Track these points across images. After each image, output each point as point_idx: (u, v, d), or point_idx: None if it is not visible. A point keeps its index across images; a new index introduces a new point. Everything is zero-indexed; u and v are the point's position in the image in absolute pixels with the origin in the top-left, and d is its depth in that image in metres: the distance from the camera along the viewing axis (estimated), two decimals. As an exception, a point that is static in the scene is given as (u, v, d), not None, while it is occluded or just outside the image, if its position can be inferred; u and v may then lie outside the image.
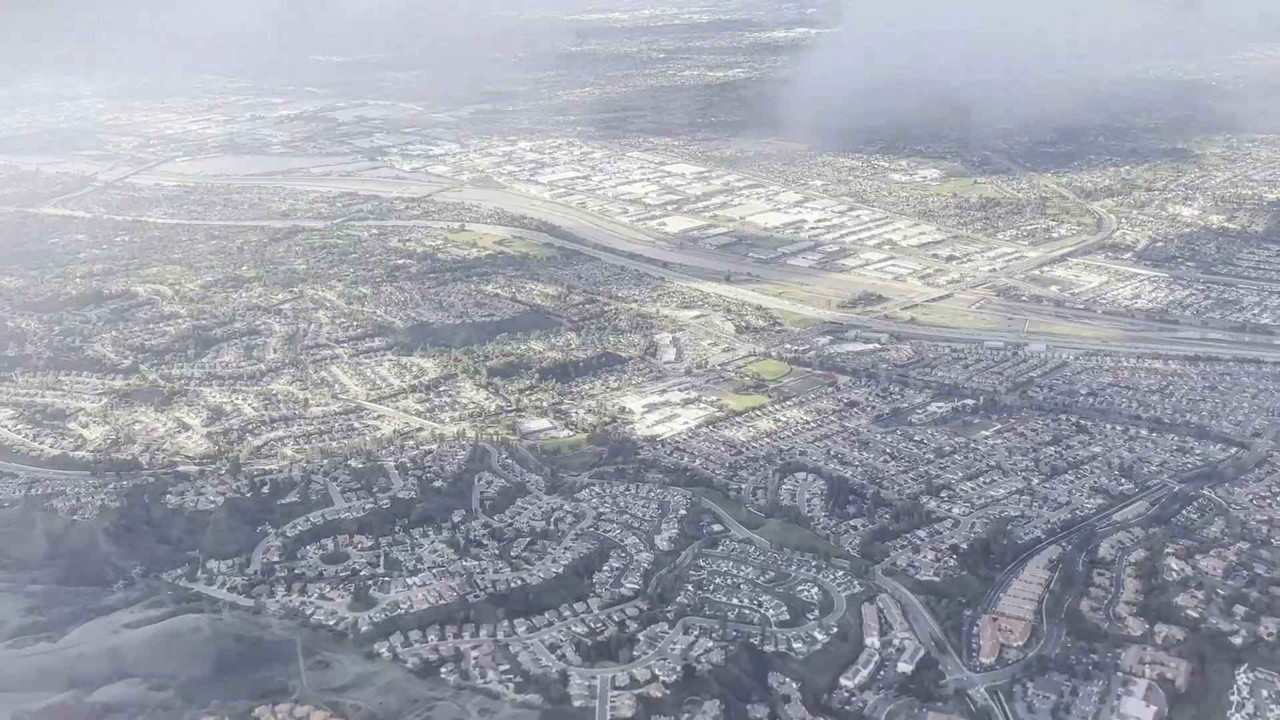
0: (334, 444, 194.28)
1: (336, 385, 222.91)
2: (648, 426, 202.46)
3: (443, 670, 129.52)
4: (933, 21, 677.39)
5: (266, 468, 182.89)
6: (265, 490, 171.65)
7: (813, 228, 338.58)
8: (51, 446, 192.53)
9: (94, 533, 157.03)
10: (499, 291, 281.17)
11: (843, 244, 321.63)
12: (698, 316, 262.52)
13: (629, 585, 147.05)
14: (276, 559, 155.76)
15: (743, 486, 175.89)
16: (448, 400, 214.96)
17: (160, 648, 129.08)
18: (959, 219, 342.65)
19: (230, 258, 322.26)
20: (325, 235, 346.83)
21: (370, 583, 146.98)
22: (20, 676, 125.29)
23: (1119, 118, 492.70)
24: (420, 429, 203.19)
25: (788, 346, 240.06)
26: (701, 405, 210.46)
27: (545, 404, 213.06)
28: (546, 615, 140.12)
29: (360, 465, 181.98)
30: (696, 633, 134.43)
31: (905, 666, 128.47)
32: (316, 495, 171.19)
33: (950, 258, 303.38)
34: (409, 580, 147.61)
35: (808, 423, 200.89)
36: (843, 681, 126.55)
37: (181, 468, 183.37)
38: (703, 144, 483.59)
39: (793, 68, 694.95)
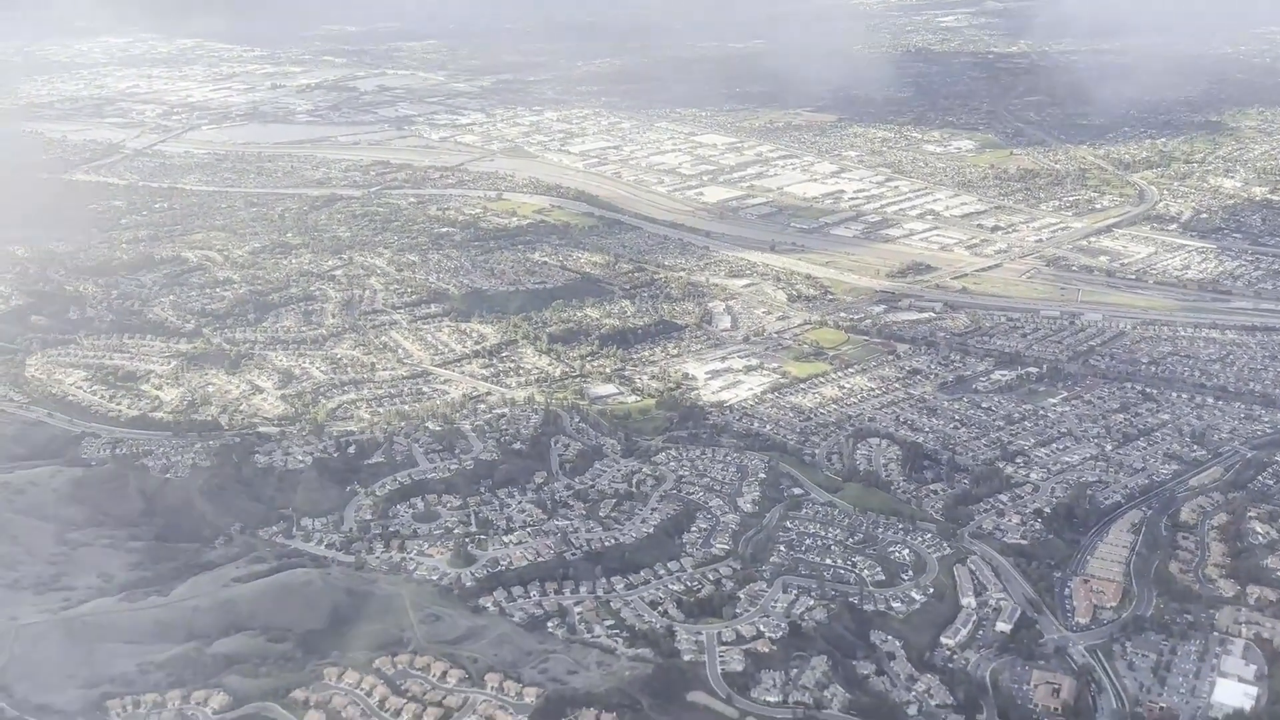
0: (406, 407, 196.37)
1: (399, 350, 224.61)
2: (713, 392, 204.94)
3: (549, 625, 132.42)
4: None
5: (348, 429, 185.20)
6: (351, 451, 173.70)
7: (852, 198, 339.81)
8: (129, 407, 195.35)
9: (188, 491, 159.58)
10: (546, 260, 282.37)
11: (885, 214, 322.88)
12: (748, 285, 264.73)
13: (719, 546, 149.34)
14: (369, 517, 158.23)
15: (815, 452, 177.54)
16: (511, 365, 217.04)
17: (273, 601, 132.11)
18: (999, 190, 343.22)
19: (273, 224, 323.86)
20: (364, 203, 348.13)
21: (468, 540, 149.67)
22: (138, 629, 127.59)
23: (1149, 90, 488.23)
24: (488, 393, 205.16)
25: (842, 315, 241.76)
26: (764, 372, 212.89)
27: (608, 370, 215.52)
28: (642, 574, 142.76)
29: (438, 428, 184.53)
30: (796, 591, 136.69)
31: (1004, 626, 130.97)
32: (401, 456, 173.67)
33: (995, 228, 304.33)
34: (504, 539, 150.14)
35: (872, 390, 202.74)
36: (943, 640, 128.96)
37: (262, 429, 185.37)
38: (730, 115, 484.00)
39: (812, 37, 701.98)
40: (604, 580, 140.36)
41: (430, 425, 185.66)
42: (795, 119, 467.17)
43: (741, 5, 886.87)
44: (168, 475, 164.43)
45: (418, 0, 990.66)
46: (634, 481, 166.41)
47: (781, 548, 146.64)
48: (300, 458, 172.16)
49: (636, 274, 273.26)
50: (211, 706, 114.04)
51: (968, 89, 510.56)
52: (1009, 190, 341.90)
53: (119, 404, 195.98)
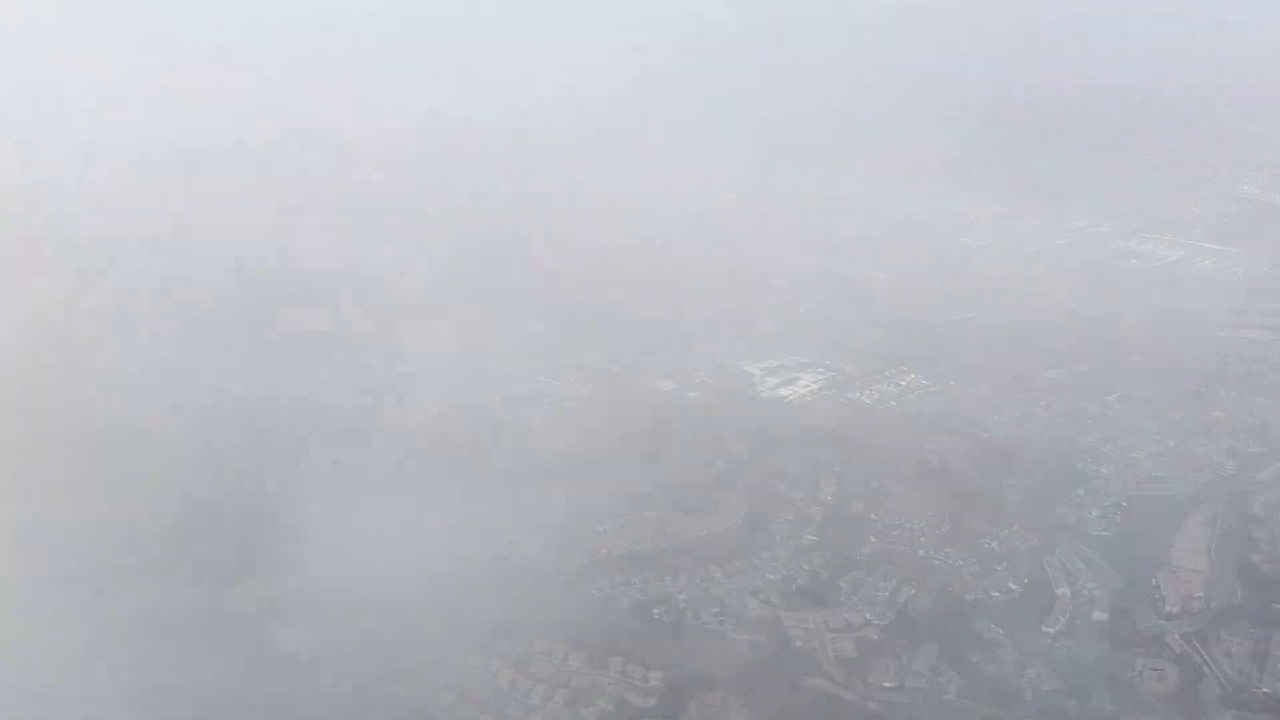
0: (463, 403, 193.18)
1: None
2: (770, 388, 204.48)
3: (655, 611, 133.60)
4: None
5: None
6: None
7: (875, 199, 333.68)
8: None
9: None
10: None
11: (908, 215, 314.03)
12: (786, 282, 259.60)
13: (808, 537, 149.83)
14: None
15: (885, 446, 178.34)
16: (570, 361, 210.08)
17: None
18: (1032, 193, 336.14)
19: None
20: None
21: (567, 529, 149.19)
22: None
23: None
24: (546, 385, 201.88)
25: (881, 313, 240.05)
26: (821, 369, 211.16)
27: (662, 365, 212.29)
28: (737, 563, 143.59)
29: (519, 424, 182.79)
30: (896, 580, 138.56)
31: (1100, 615, 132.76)
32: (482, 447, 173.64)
33: (1025, 229, 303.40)
34: (598, 528, 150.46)
35: (929, 387, 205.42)
36: (1044, 628, 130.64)
37: None
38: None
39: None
40: (701, 569, 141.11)
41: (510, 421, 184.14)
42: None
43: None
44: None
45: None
46: (709, 472, 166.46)
47: (872, 539, 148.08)
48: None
49: (677, 272, 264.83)
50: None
51: (1009, 99, 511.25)
52: (1038, 194, 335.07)
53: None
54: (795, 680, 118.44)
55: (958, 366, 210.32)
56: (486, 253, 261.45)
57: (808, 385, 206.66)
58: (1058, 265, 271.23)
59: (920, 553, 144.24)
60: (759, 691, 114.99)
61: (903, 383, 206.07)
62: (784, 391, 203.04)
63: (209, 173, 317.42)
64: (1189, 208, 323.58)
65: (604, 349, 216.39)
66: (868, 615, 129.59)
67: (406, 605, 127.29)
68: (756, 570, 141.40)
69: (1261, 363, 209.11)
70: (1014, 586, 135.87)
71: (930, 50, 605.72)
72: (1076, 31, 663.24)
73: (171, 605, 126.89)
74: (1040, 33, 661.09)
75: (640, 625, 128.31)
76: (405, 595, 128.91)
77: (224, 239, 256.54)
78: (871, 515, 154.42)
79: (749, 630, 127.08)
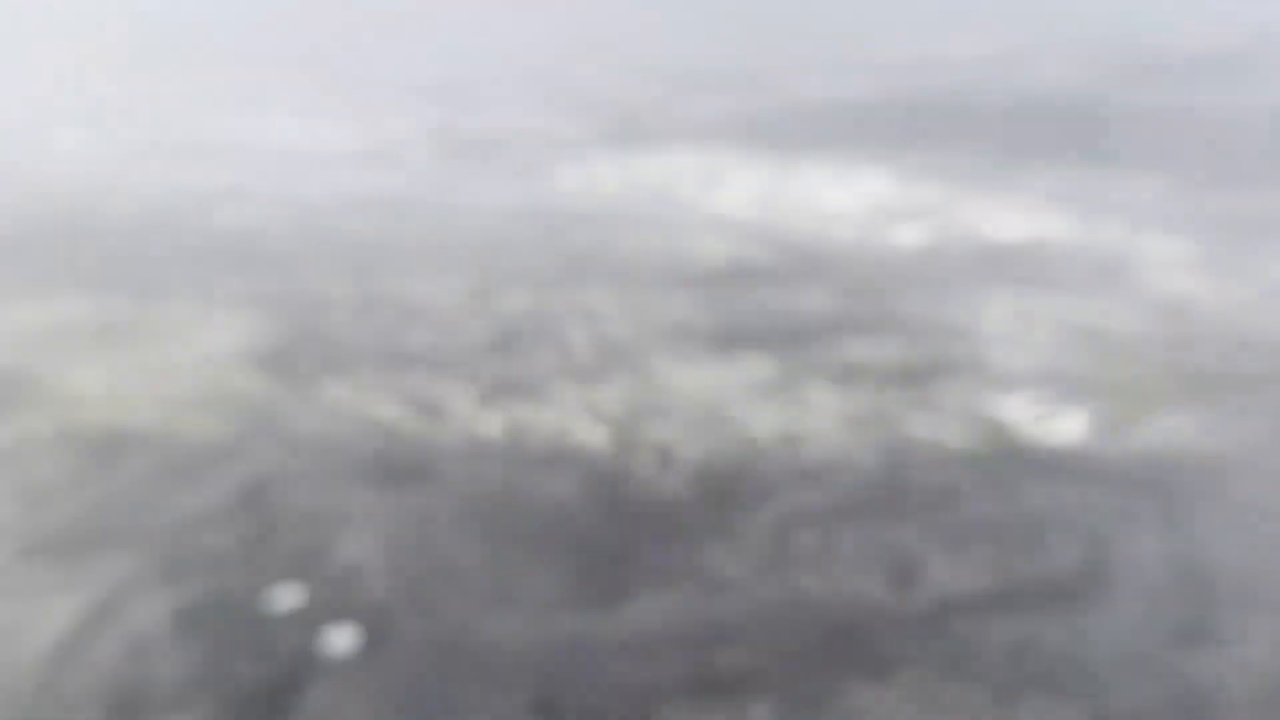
0: (722, 439, 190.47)
1: (673, 387, 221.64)
2: (1031, 429, 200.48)
3: (1028, 650, 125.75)
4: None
5: (704, 458, 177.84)
6: (720, 479, 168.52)
7: (1059, 238, 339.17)
8: (457, 436, 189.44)
9: (585, 516, 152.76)
10: (771, 297, 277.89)
11: (1103, 254, 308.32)
12: (1000, 324, 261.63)
13: (1148, 579, 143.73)
14: (764, 544, 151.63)
15: (1181, 488, 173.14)
16: (802, 401, 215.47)
17: (751, 618, 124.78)
18: (1213, 233, 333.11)
19: (465, 263, 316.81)
20: (543, 243, 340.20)
21: (907, 567, 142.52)
22: (634, 640, 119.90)
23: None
24: (792, 426, 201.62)
25: (1119, 354, 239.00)
26: (1077, 409, 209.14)
27: (905, 406, 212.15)
28: (1085, 603, 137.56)
29: (783, 459, 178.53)
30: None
31: None
32: (769, 485, 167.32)
33: (1232, 271, 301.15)
34: (934, 565, 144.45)
35: (1198, 429, 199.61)
36: None
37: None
38: (874, 156, 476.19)
39: (930, 80, 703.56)
40: (1052, 607, 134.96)
41: (775, 457, 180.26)
42: (949, 159, 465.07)
43: (828, 50, 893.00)
44: (556, 500, 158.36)
45: (482, 44, 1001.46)
46: (1012, 515, 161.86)
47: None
48: (670, 486, 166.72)
49: (874, 312, 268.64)
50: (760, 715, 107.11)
51: (1123, 135, 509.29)
52: (1223, 234, 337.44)
53: (445, 433, 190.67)
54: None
55: (1222, 409, 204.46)
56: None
57: (1072, 426, 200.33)
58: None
59: None
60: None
61: (1171, 423, 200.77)
62: (1049, 431, 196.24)
63: None
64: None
65: (837, 389, 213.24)
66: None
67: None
68: (1112, 610, 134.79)
69: None
70: None
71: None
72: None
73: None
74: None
75: (1021, 663, 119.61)
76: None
77: None
78: (1206, 559, 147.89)
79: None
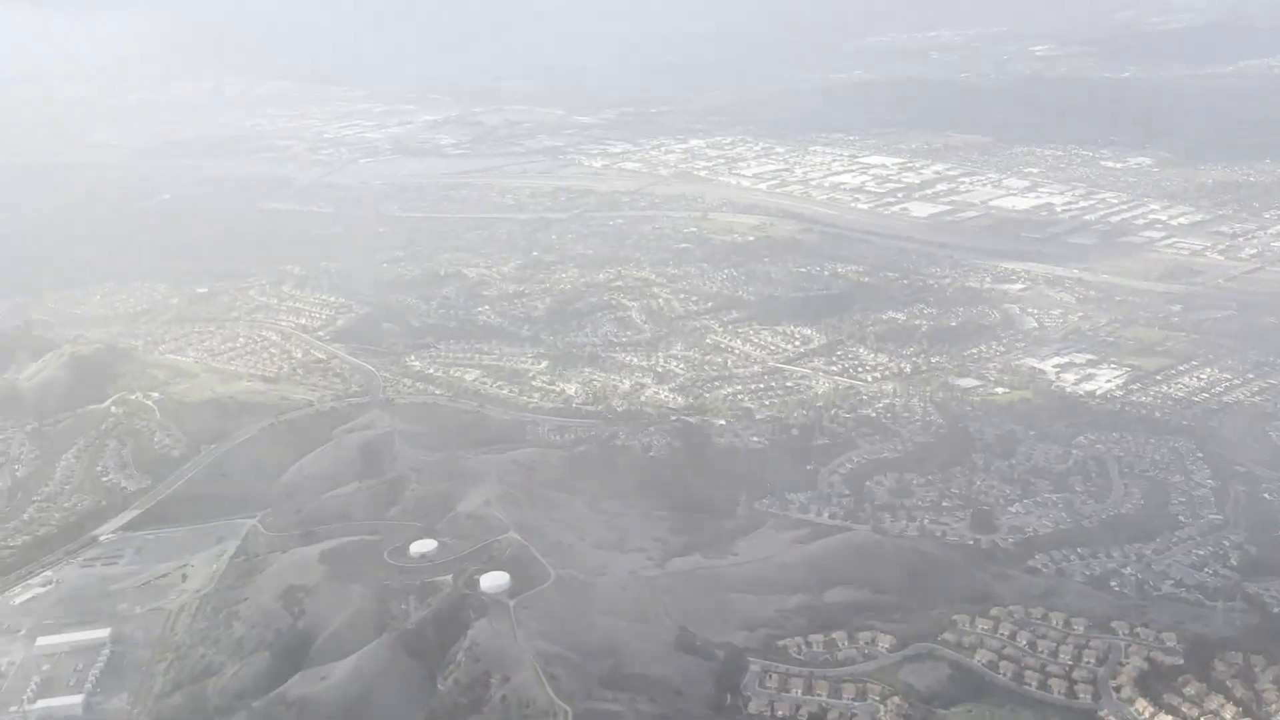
0: (784, 399, 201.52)
1: (731, 352, 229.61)
2: (1072, 384, 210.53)
3: (1112, 583, 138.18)
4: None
5: (776, 415, 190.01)
6: (794, 434, 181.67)
7: (1065, 209, 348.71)
8: (542, 398, 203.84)
9: (676, 468, 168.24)
10: (810, 269, 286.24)
11: (1110, 224, 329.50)
12: (1025, 289, 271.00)
13: (1211, 516, 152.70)
14: (846, 492, 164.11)
15: (1224, 433, 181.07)
16: (854, 363, 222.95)
17: (852, 560, 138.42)
18: (1211, 201, 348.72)
19: (509, 244, 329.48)
20: (580, 224, 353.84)
21: (985, 508, 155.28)
22: (745, 582, 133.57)
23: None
24: (850, 386, 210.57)
25: (1142, 314, 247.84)
26: (1112, 365, 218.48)
27: (950, 365, 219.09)
28: (1157, 540, 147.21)
29: (848, 415, 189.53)
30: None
31: None
32: (840, 439, 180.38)
33: (1235, 235, 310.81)
34: (1010, 509, 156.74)
35: (1231, 380, 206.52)
36: None
37: (689, 417, 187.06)
38: (878, 138, 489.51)
39: (920, 67, 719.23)
40: (1127, 546, 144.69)
41: (835, 412, 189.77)
42: (949, 140, 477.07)
43: (827, 39, 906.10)
44: (650, 454, 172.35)
45: (502, 44, 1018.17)
46: (1072, 461, 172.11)
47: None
48: (751, 440, 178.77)
49: (903, 281, 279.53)
50: (882, 646, 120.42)
51: (1108, 111, 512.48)
52: (1220, 201, 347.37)
53: (529, 397, 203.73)
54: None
55: (1249, 360, 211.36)
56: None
57: (1111, 380, 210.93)
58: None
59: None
60: (1266, 651, 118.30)
61: (1203, 376, 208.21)
62: (1089, 386, 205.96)
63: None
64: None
65: (885, 351, 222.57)
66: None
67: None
68: (1182, 546, 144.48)
69: None
70: None
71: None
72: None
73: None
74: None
75: (1108, 596, 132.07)
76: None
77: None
78: (1265, 495, 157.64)
79: (1220, 598, 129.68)
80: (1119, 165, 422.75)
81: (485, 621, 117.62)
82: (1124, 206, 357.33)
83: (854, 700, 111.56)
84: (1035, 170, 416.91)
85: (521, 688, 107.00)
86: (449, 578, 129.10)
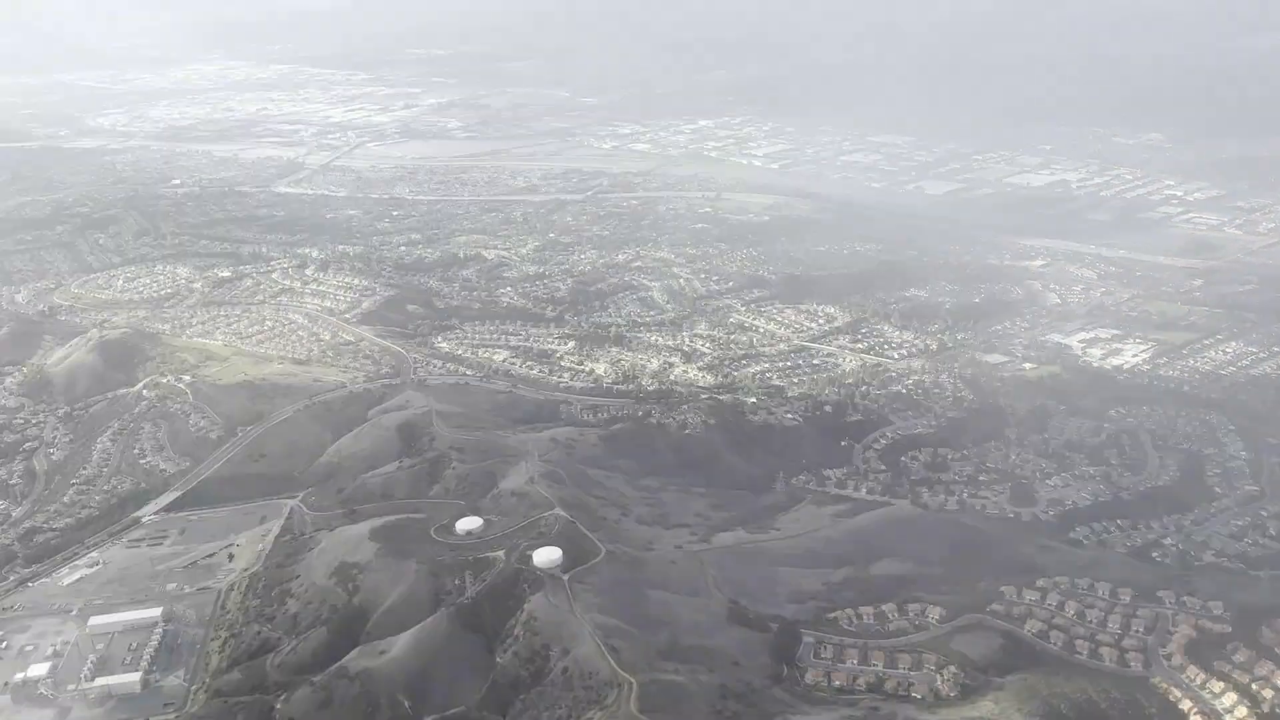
0: (813, 376, 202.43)
1: (756, 331, 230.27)
2: (1099, 359, 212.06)
3: (1154, 554, 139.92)
4: None
5: (808, 392, 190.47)
6: (828, 410, 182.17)
7: (1080, 186, 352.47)
8: (573, 378, 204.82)
9: (712, 445, 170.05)
10: (824, 248, 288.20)
11: (1126, 200, 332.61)
12: (1045, 265, 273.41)
13: (1246, 487, 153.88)
14: (882, 467, 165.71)
15: (1254, 406, 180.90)
16: (879, 340, 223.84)
17: (895, 533, 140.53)
18: (1225, 176, 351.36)
19: (525, 226, 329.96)
20: (594, 205, 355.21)
21: (1024, 482, 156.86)
22: (792, 555, 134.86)
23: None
24: (878, 363, 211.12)
25: (1163, 289, 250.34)
26: (1137, 340, 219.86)
27: (976, 342, 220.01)
28: (1193, 512, 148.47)
29: (879, 391, 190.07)
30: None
31: None
32: (874, 415, 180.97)
33: (1252, 210, 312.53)
34: (1048, 482, 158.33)
35: (1257, 354, 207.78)
36: None
37: (720, 395, 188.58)
38: (889, 116, 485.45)
39: (924, 46, 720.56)
40: (1166, 517, 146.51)
41: (865, 389, 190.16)
42: (958, 118, 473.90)
43: (822, 20, 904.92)
44: (686, 432, 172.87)
45: (501, 25, 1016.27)
46: (1104, 435, 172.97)
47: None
48: (787, 417, 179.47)
49: (923, 258, 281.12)
50: (932, 617, 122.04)
51: (1115, 88, 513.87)
52: (1234, 176, 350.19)
53: (559, 376, 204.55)
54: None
55: (1272, 333, 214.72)
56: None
57: (1137, 355, 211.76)
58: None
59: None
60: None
61: (1229, 350, 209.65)
62: (1116, 361, 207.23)
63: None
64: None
65: (909, 328, 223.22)
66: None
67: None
68: (1222, 515, 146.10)
69: None
70: None
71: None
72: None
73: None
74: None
75: (1151, 566, 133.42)
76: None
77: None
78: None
79: (1264, 566, 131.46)
80: (1131, 142, 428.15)
81: (541, 596, 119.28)
82: (1139, 183, 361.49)
83: (910, 670, 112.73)
84: (1047, 147, 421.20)
85: (583, 660, 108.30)
86: (501, 554, 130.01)
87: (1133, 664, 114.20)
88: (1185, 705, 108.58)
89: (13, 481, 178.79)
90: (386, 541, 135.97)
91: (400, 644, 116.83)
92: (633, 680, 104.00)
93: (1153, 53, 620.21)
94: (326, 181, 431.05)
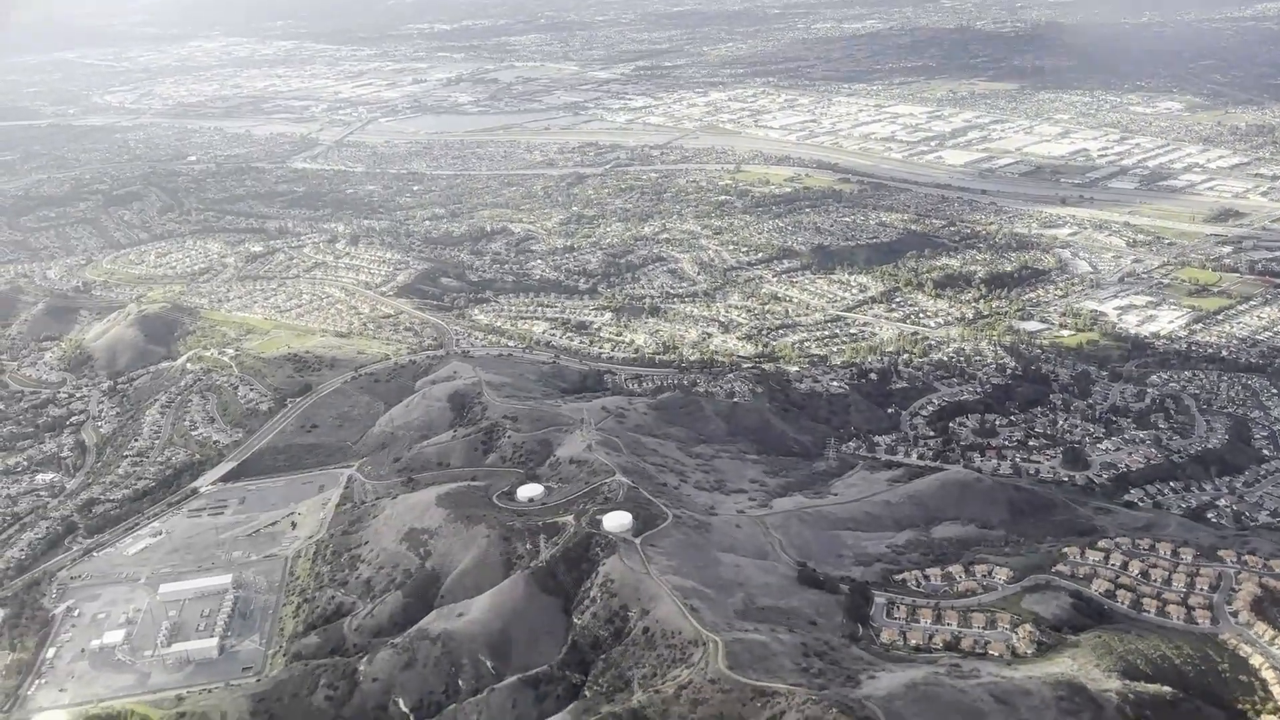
0: (852, 345, 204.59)
1: (790, 301, 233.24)
2: (1135, 325, 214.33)
3: (1210, 514, 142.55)
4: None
5: (851, 361, 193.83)
6: (872, 378, 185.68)
7: (1101, 155, 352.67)
8: (613, 349, 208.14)
9: (761, 413, 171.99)
10: (850, 218, 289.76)
11: (1148, 168, 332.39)
12: (1073, 234, 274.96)
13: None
14: (930, 433, 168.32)
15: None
16: (914, 309, 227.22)
17: (954, 497, 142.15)
18: (1246, 144, 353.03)
19: (547, 199, 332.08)
20: (614, 179, 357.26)
21: (1076, 446, 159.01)
22: (852, 519, 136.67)
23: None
24: (915, 331, 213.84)
25: (1194, 256, 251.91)
26: (1172, 306, 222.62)
27: (1012, 310, 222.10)
28: (1245, 473, 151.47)
29: (921, 359, 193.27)
30: None
31: None
32: (920, 382, 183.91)
33: (1276, 176, 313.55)
34: (1099, 446, 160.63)
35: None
36: None
37: (763, 364, 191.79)
38: (901, 87, 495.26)
39: (933, 15, 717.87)
40: (1218, 479, 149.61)
41: (905, 357, 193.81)
42: (974, 88, 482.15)
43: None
44: (735, 400, 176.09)
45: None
46: (1149, 400, 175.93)
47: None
48: (832, 385, 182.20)
49: (950, 228, 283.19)
50: (999, 578, 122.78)
51: (1131, 56, 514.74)
52: (1255, 144, 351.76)
53: (600, 347, 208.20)
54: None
55: None
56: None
57: (1173, 321, 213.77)
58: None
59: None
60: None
61: (1264, 315, 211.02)
62: (1153, 327, 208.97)
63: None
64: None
65: (944, 297, 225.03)
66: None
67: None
68: (1273, 478, 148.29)
69: None
70: None
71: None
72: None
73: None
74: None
75: (1208, 527, 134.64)
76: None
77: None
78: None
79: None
80: (1149, 110, 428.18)
81: (616, 558, 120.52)
82: (1159, 151, 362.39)
83: (984, 629, 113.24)
84: (1065, 116, 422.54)
85: (665, 619, 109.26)
86: (570, 518, 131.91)
87: (1200, 621, 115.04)
88: (1256, 660, 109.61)
89: (64, 455, 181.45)
90: (454, 508, 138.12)
91: (478, 606, 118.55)
92: (717, 639, 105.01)
93: (1171, 20, 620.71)
94: (342, 157, 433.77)
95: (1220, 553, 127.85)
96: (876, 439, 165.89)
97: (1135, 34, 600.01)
